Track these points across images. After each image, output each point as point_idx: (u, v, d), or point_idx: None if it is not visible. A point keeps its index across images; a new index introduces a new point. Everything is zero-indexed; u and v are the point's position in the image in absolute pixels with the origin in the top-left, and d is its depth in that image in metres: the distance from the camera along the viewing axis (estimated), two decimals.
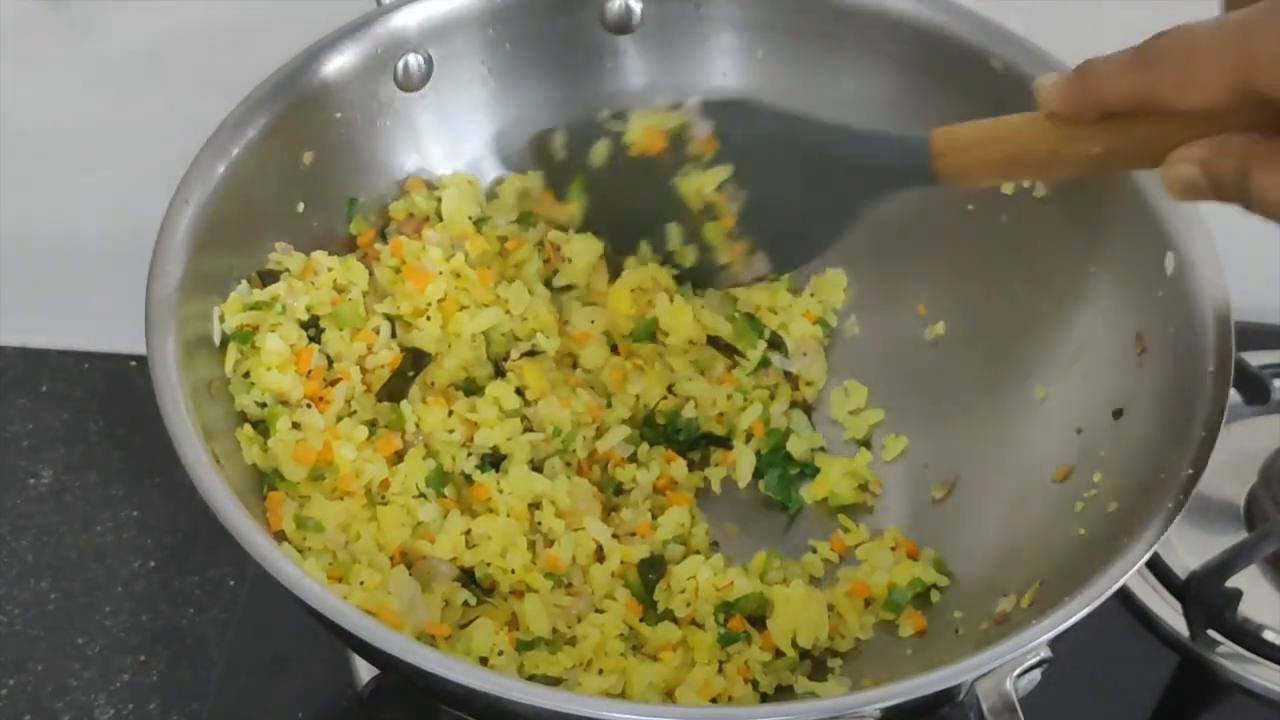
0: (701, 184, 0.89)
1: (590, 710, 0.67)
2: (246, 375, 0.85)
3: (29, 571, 1.01)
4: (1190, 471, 0.76)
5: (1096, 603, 0.71)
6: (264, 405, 0.85)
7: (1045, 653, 0.68)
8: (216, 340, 0.85)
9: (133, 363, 1.14)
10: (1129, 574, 0.73)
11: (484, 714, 0.72)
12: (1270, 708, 0.94)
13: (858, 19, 0.96)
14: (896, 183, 0.84)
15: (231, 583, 1.00)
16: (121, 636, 0.97)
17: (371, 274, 0.92)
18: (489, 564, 0.84)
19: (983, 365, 0.95)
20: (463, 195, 0.95)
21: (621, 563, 0.86)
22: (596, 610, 0.85)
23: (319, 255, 0.91)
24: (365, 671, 0.91)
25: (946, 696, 0.68)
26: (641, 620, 0.85)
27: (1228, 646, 0.95)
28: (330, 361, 0.89)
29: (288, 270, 0.90)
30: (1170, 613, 0.97)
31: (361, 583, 0.81)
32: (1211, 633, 0.96)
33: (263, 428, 0.85)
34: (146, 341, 0.78)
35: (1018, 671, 0.68)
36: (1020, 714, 0.66)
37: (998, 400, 0.94)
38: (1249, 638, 0.95)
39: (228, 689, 0.93)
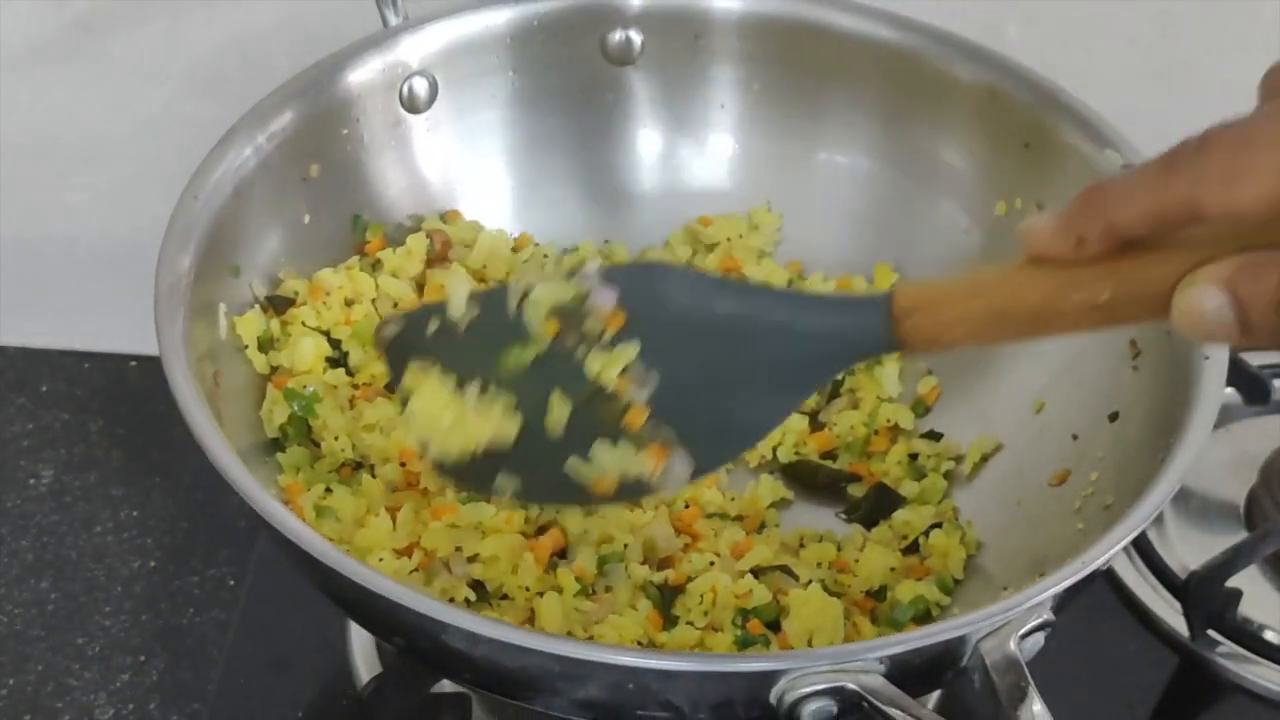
0: (605, 365, 0.72)
1: (588, 654, 0.67)
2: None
3: (29, 571, 1.01)
4: (1188, 444, 0.76)
5: (1099, 563, 0.71)
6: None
7: (1048, 615, 0.68)
8: (222, 334, 0.85)
9: (133, 363, 1.15)
10: (1134, 534, 0.73)
11: (484, 677, 0.72)
12: (1270, 708, 0.93)
13: (847, 47, 0.98)
14: (849, 355, 0.70)
15: (231, 583, 1.00)
16: (121, 636, 0.97)
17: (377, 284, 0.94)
18: (501, 584, 0.84)
19: (980, 383, 0.95)
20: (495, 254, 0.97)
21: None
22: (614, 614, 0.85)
23: (324, 274, 0.92)
24: (365, 671, 0.91)
25: (950, 658, 0.68)
26: (661, 631, 0.85)
27: (1228, 646, 0.95)
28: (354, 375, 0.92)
29: (297, 293, 0.91)
30: (1170, 613, 0.97)
31: (381, 559, 0.82)
32: (1211, 633, 0.95)
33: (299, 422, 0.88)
34: (155, 324, 0.78)
35: (1021, 632, 0.67)
36: (1026, 672, 0.66)
37: (994, 414, 0.94)
38: (1249, 638, 0.95)
39: (228, 689, 0.93)
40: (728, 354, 0.70)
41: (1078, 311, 0.60)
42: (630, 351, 0.71)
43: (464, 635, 0.67)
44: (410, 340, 0.77)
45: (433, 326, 0.76)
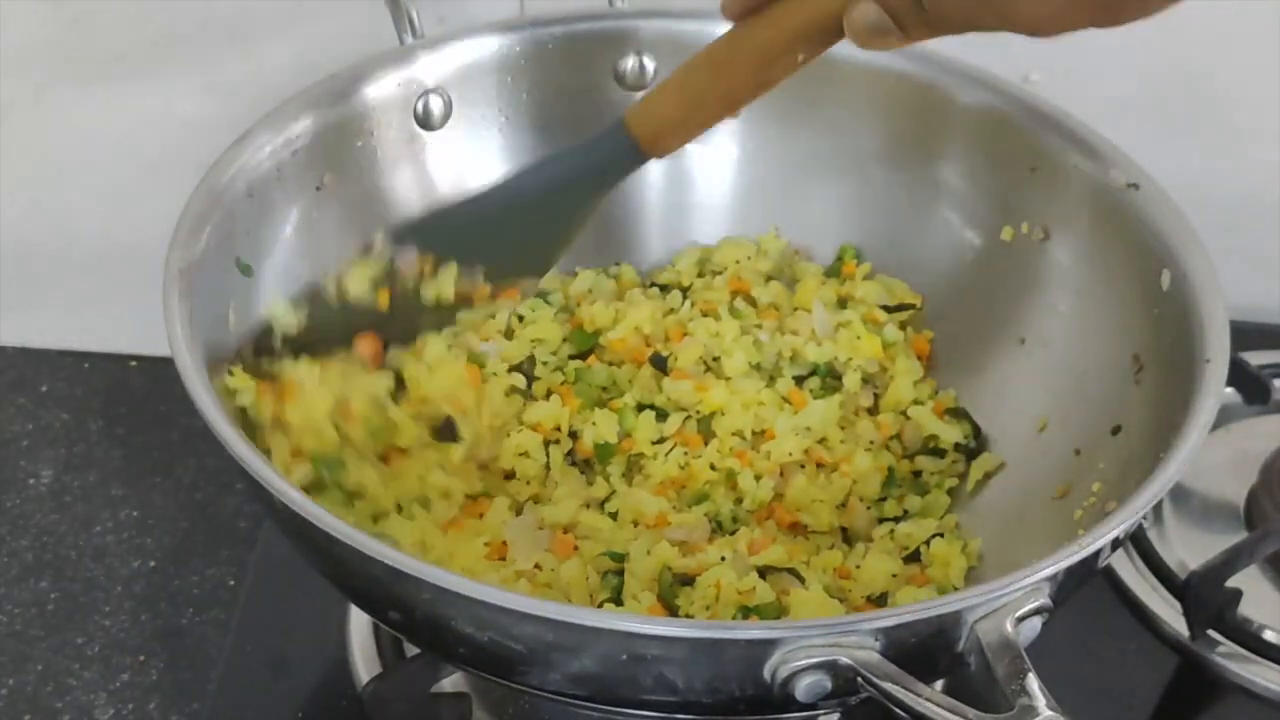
0: (441, 290, 0.88)
1: (582, 619, 0.67)
2: None
3: (29, 571, 1.01)
4: (1189, 437, 0.76)
5: (1095, 547, 0.71)
6: None
7: (1045, 600, 0.68)
8: (231, 328, 0.85)
9: (133, 363, 1.15)
10: (1133, 522, 0.73)
11: (478, 650, 0.72)
12: (1270, 708, 0.93)
13: (850, 74, 0.98)
14: (611, 176, 0.85)
15: (231, 583, 1.00)
16: (121, 636, 0.97)
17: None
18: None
19: (983, 405, 0.96)
20: None
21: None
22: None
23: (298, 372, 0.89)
24: (365, 671, 0.91)
25: (946, 638, 0.68)
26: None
27: (1228, 646, 0.95)
28: None
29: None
30: (1170, 613, 0.97)
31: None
32: (1211, 633, 0.95)
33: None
34: (164, 302, 0.78)
35: (1018, 614, 0.67)
36: (1023, 654, 0.66)
37: (997, 435, 0.94)
38: (1249, 638, 0.95)
39: (228, 689, 0.93)
40: (521, 219, 0.86)
41: (782, 73, 0.75)
42: (449, 274, 0.87)
43: (458, 600, 0.67)
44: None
45: (278, 341, 0.87)
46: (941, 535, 0.89)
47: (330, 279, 0.87)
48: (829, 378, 0.97)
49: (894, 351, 0.97)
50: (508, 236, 0.87)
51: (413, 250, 0.87)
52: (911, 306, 0.99)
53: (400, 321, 0.88)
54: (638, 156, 0.80)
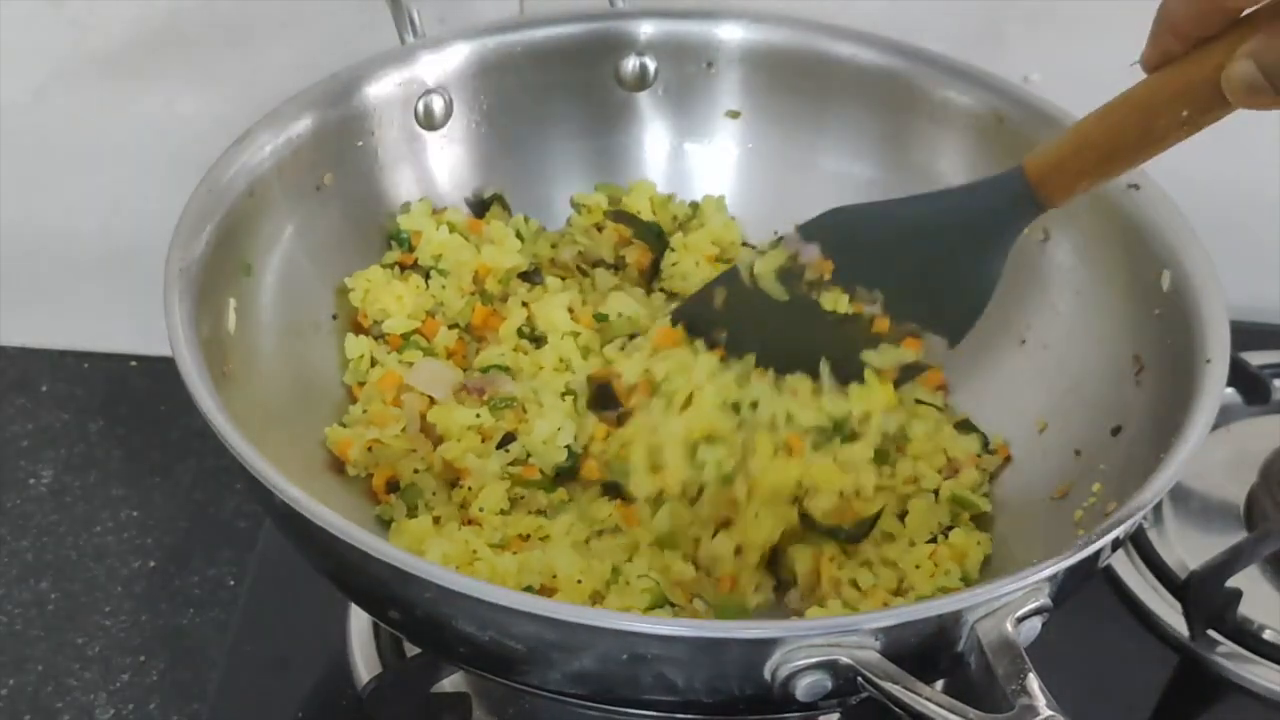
0: (836, 300, 0.89)
1: (582, 618, 0.67)
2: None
3: (29, 571, 1.01)
4: (1188, 439, 0.76)
5: (1094, 548, 0.71)
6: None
7: (1045, 600, 0.68)
8: (231, 328, 0.85)
9: (133, 363, 1.15)
10: (1132, 524, 0.73)
11: (478, 650, 0.72)
12: (1270, 708, 0.94)
13: (843, 74, 1.00)
14: (1009, 227, 0.84)
15: (231, 583, 1.01)
16: (121, 636, 0.97)
17: None
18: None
19: (983, 406, 0.95)
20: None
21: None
22: None
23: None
24: (365, 671, 0.91)
25: (946, 637, 0.68)
26: None
27: (1228, 646, 0.95)
28: None
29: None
30: (1170, 613, 0.97)
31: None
32: (1211, 633, 0.96)
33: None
34: (164, 303, 0.78)
35: (1018, 614, 0.67)
36: (1024, 654, 0.66)
37: (998, 437, 0.94)
38: (1249, 638, 0.95)
39: (228, 689, 0.93)
40: (922, 251, 0.86)
41: (1167, 130, 0.73)
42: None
43: (459, 599, 0.67)
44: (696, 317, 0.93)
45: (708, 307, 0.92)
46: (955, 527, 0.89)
47: (744, 265, 0.90)
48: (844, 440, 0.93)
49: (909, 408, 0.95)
50: (908, 270, 0.87)
51: (816, 248, 0.88)
52: (925, 368, 0.95)
53: (800, 330, 0.89)
54: (1032, 206, 0.81)
